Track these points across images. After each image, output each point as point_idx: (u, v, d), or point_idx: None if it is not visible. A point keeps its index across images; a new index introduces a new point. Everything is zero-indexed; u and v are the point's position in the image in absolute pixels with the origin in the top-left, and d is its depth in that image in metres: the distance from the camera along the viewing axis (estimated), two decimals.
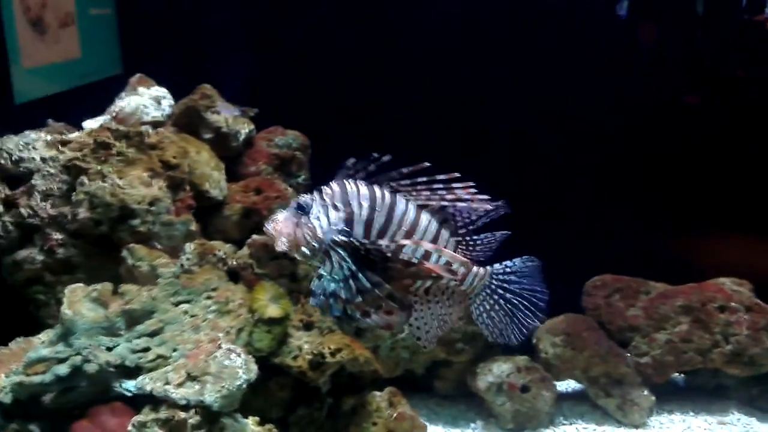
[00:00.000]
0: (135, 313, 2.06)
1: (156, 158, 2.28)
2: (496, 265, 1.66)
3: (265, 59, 3.61)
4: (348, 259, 1.50)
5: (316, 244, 1.48)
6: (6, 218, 2.18)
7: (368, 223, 1.52)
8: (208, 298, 2.17)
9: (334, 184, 1.53)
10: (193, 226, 2.33)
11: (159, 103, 2.48)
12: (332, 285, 1.55)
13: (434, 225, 1.57)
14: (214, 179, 2.55)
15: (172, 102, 2.55)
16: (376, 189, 1.53)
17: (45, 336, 2.11)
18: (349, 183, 1.53)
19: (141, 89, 2.48)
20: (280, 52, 3.52)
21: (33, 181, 2.23)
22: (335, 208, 1.50)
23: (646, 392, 2.75)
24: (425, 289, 1.60)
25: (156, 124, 2.46)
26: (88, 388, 2.05)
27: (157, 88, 2.52)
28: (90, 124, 2.32)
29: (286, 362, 2.22)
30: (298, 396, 2.30)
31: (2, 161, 2.27)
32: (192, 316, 2.14)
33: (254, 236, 2.54)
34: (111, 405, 2.07)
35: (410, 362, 2.84)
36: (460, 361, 2.82)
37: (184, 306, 2.13)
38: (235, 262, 2.51)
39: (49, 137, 2.27)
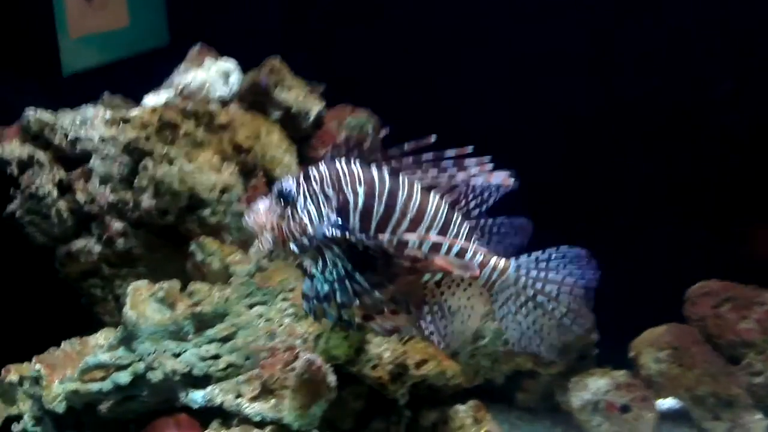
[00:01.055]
0: (205, 316, 1.82)
1: (227, 140, 2.02)
2: (523, 257, 1.35)
3: (329, 28, 3.32)
4: (343, 257, 1.26)
5: (306, 241, 1.25)
6: (60, 204, 1.94)
7: (366, 213, 1.26)
8: (285, 299, 1.91)
9: (323, 167, 1.28)
10: None
11: (227, 78, 2.21)
12: (326, 287, 1.29)
13: (444, 209, 1.30)
14: (284, 164, 2.28)
15: (241, 77, 2.28)
16: (374, 171, 1.27)
17: (103, 337, 1.88)
18: (341, 165, 1.28)
19: (207, 62, 2.22)
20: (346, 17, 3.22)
21: (91, 164, 1.98)
22: (326, 196, 1.26)
23: (759, 416, 2.45)
24: (436, 282, 1.32)
25: (223, 102, 2.20)
26: (150, 398, 1.84)
27: (224, 60, 2.25)
28: (152, 99, 2.06)
29: (364, 372, 1.97)
30: (372, 407, 2.06)
31: (56, 140, 2.02)
32: (267, 320, 1.90)
33: None
34: (175, 417, 1.87)
35: (491, 371, 2.58)
36: (549, 373, 2.54)
37: (259, 308, 1.88)
38: None
39: (108, 114, 2.01)
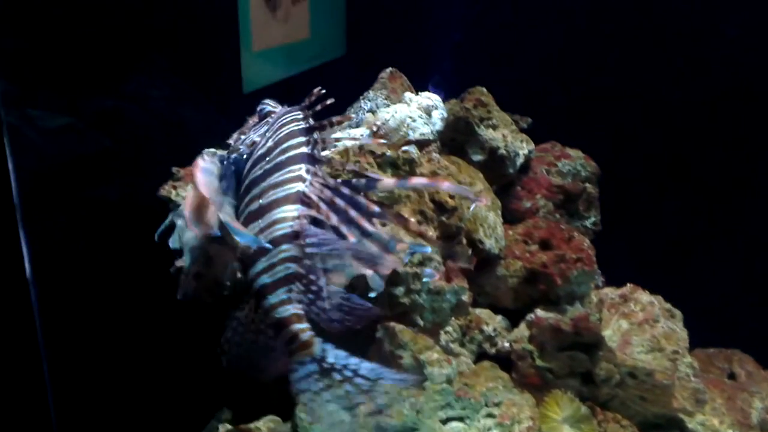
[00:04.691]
0: (392, 428, 1.46)
1: (428, 195, 1.63)
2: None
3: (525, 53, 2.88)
4: None
5: None
6: (235, 264, 1.64)
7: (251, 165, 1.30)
8: (489, 416, 1.49)
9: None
10: (466, 296, 1.66)
11: (429, 114, 1.83)
12: None
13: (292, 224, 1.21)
14: (489, 223, 1.86)
15: (445, 114, 1.88)
16: (294, 140, 1.28)
17: (266, 428, 1.58)
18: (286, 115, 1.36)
19: (408, 95, 1.84)
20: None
21: None
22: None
23: None
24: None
25: (422, 144, 1.82)
26: None
27: (427, 94, 1.87)
28: (343, 138, 1.73)
29: None
30: None
31: None
32: None
33: (538, 312, 1.82)
34: None
35: None
36: None
37: (455, 425, 1.47)
38: (507, 345, 1.82)
39: None
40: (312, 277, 1.17)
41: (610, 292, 2.00)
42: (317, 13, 3.13)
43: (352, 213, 1.20)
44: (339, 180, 1.27)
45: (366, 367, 1.19)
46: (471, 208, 1.57)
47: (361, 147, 1.66)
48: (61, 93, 1.60)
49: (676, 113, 2.59)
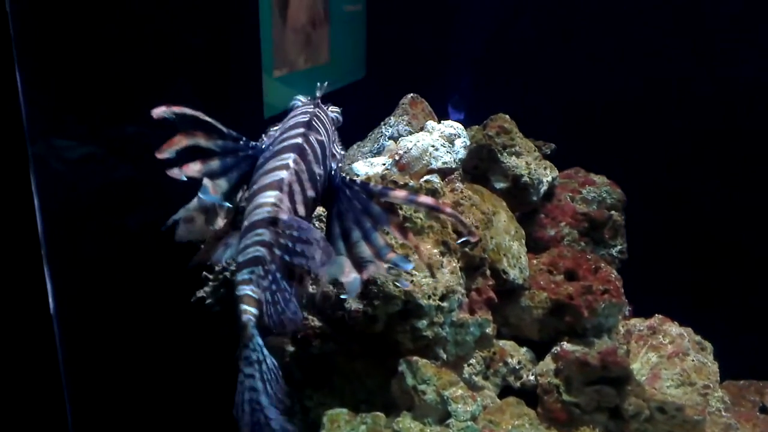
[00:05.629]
0: None
1: (451, 225, 1.61)
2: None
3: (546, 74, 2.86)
4: None
5: None
6: None
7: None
8: None
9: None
10: (490, 329, 1.63)
11: (452, 143, 1.81)
12: None
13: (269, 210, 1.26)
14: (513, 253, 1.83)
15: (467, 142, 1.86)
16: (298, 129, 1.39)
17: None
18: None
19: (430, 124, 1.83)
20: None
21: None
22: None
23: None
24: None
25: (445, 172, 1.80)
26: None
27: (450, 123, 1.85)
28: (364, 168, 1.71)
29: None
30: None
31: None
32: None
33: (564, 345, 1.78)
34: None
35: None
36: None
37: None
38: (533, 378, 1.78)
39: None
40: (273, 266, 1.21)
41: (638, 324, 1.95)
42: (337, 38, 3.14)
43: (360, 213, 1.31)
44: (358, 180, 1.37)
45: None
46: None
47: (383, 176, 1.65)
48: (84, 121, 1.61)
49: (706, 139, 2.55)
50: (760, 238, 2.48)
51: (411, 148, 1.73)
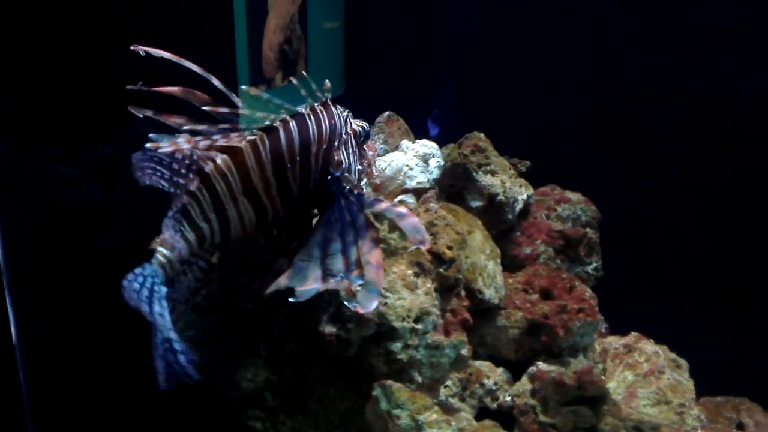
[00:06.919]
0: None
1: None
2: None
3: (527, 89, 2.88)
4: None
5: None
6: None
7: None
8: None
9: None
10: (466, 350, 1.62)
11: (426, 163, 1.81)
12: None
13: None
14: (488, 273, 1.82)
15: (441, 162, 1.87)
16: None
17: None
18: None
19: (405, 143, 1.83)
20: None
21: None
22: None
23: None
24: None
25: (419, 192, 1.80)
26: None
27: (424, 142, 1.85)
28: None
29: None
30: None
31: None
32: None
33: (540, 365, 1.78)
34: None
35: None
36: None
37: None
38: (509, 399, 1.77)
39: None
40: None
41: (614, 342, 1.96)
42: (315, 54, 3.15)
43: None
44: (355, 191, 1.40)
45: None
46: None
47: None
48: (49, 143, 1.59)
49: (679, 156, 2.58)
50: (734, 255, 2.50)
51: (385, 168, 1.73)
